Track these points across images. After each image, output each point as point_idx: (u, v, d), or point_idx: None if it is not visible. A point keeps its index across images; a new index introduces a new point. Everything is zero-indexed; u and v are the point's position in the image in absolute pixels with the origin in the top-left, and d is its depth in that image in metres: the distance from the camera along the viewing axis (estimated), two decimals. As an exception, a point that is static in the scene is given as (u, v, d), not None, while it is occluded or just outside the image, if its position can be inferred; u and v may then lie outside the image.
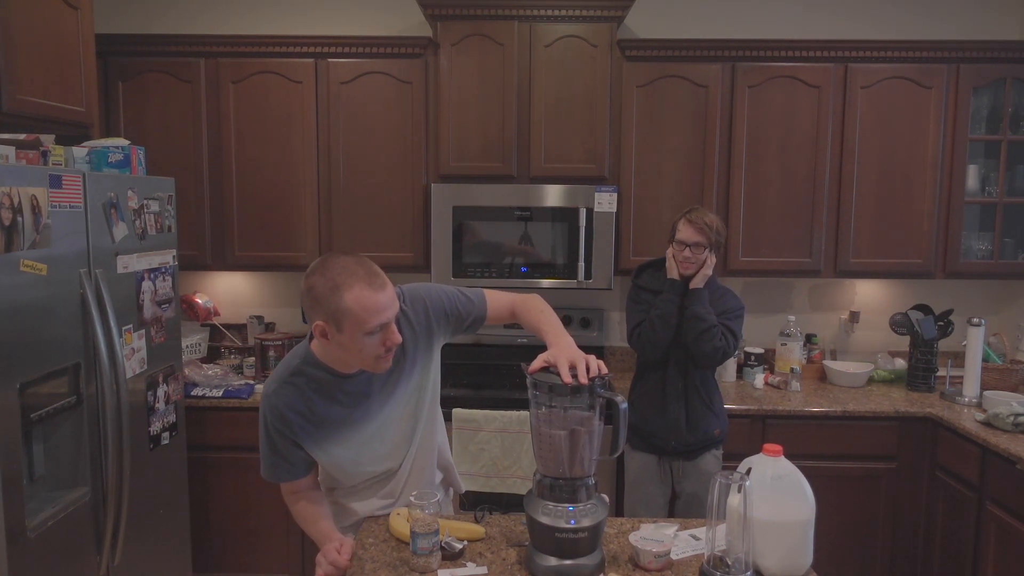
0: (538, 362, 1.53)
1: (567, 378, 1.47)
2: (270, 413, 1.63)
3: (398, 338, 1.54)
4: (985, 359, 3.11)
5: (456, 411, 2.83)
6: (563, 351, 1.53)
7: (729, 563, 1.46)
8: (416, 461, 1.78)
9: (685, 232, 2.54)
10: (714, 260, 2.57)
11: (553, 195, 3.09)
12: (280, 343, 3.17)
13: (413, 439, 1.75)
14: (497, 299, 1.80)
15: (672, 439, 2.61)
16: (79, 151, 2.37)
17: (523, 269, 3.12)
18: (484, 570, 1.56)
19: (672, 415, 2.61)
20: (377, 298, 1.47)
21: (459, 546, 1.62)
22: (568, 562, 1.50)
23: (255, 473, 3.01)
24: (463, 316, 1.75)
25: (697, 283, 2.55)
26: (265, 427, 1.65)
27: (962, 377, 3.03)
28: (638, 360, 2.75)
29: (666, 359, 2.62)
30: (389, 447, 1.73)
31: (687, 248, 2.53)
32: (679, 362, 2.61)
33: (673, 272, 2.58)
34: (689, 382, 2.62)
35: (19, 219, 1.86)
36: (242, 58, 3.12)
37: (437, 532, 1.56)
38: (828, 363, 3.36)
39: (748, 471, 1.49)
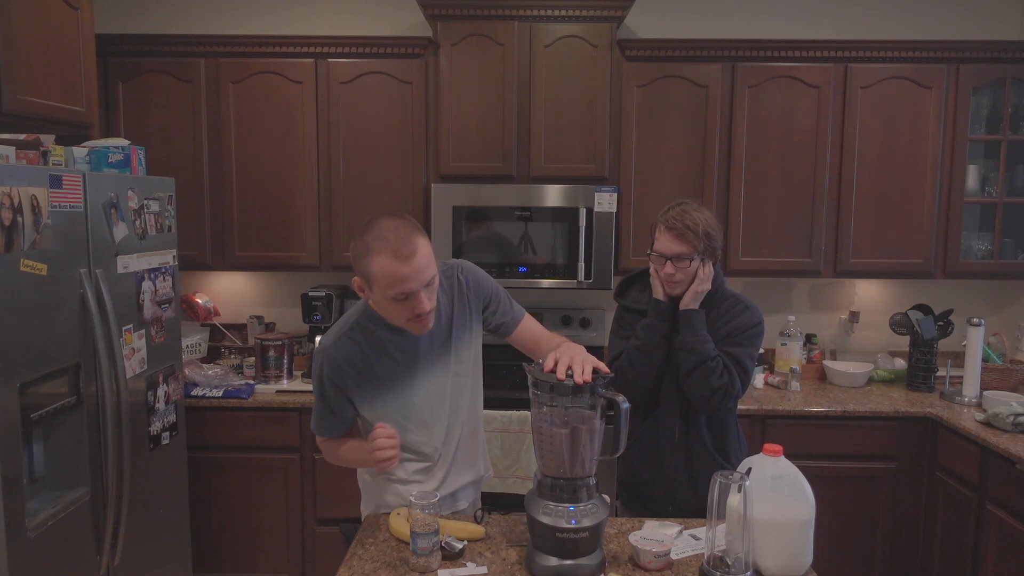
0: (549, 360, 1.54)
1: (561, 374, 1.48)
2: (327, 364, 1.68)
3: (425, 307, 1.57)
4: (985, 359, 3.10)
5: (456, 411, 2.83)
6: (566, 351, 1.54)
7: (729, 563, 1.46)
8: (460, 440, 1.84)
9: (663, 241, 1.96)
10: (710, 271, 1.98)
11: (553, 195, 3.09)
12: (280, 343, 3.16)
13: (456, 411, 1.81)
14: (532, 324, 1.87)
15: (669, 503, 2.05)
16: (79, 151, 2.37)
17: (523, 269, 3.12)
18: (484, 570, 1.56)
19: (668, 472, 2.04)
20: (400, 269, 1.51)
21: (459, 546, 1.62)
22: (569, 562, 1.50)
23: (256, 473, 3.03)
24: (496, 313, 1.84)
25: (688, 303, 1.97)
26: (320, 379, 1.70)
27: (962, 377, 3.03)
28: None
29: (655, 399, 2.06)
30: (432, 413, 1.77)
31: (668, 262, 1.95)
32: (675, 402, 2.03)
33: (658, 291, 2.02)
34: (691, 427, 2.03)
35: (19, 219, 1.86)
36: (242, 58, 3.12)
37: (437, 532, 1.56)
38: (828, 363, 3.36)
39: (748, 471, 1.50)
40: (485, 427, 2.83)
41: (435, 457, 1.81)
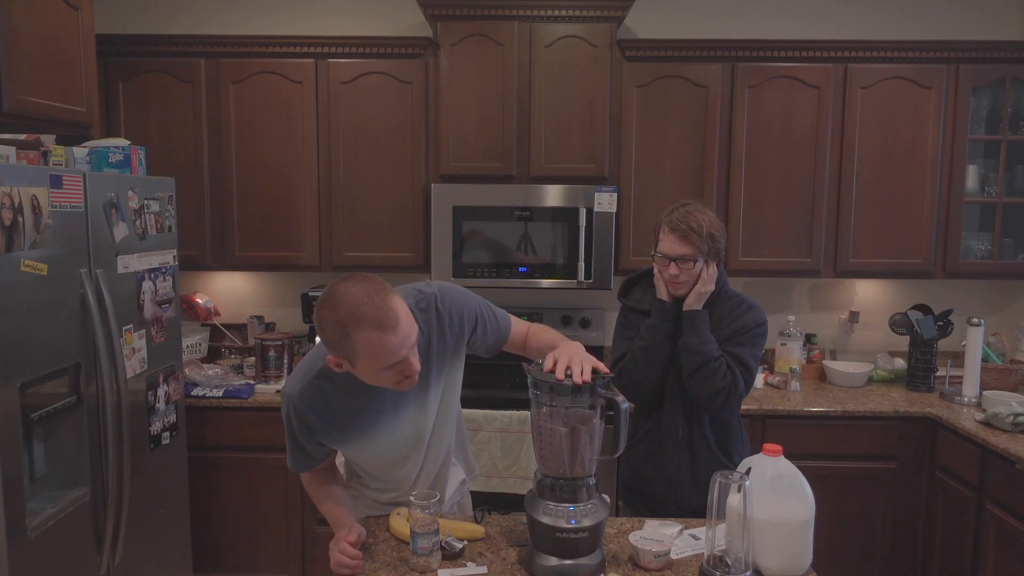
0: (548, 361, 1.53)
1: (560, 375, 1.48)
2: (294, 415, 1.62)
3: (416, 367, 1.49)
4: (984, 359, 3.11)
5: (456, 411, 2.83)
6: (566, 351, 1.54)
7: (729, 563, 1.47)
8: (440, 462, 1.81)
9: (667, 242, 1.97)
10: (714, 272, 1.99)
11: (553, 195, 3.09)
12: (280, 343, 3.16)
13: (435, 443, 1.76)
14: (517, 326, 1.81)
15: (672, 503, 2.06)
16: (79, 151, 2.37)
17: (523, 269, 3.12)
18: (484, 570, 1.56)
19: (671, 471, 2.06)
20: (388, 341, 1.40)
21: (459, 546, 1.62)
22: (568, 562, 1.50)
23: (256, 473, 3.03)
24: (485, 334, 1.74)
25: (691, 304, 1.99)
26: (289, 425, 1.65)
27: (962, 377, 3.03)
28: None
29: (659, 399, 2.08)
30: (407, 449, 1.73)
31: (671, 263, 1.97)
32: (678, 401, 2.05)
33: (662, 291, 2.03)
34: (695, 427, 2.05)
35: (20, 219, 1.86)
36: (242, 58, 3.12)
37: (437, 532, 1.56)
38: (828, 363, 3.36)
39: (748, 471, 1.50)
40: (485, 427, 2.86)
41: (407, 487, 1.79)
